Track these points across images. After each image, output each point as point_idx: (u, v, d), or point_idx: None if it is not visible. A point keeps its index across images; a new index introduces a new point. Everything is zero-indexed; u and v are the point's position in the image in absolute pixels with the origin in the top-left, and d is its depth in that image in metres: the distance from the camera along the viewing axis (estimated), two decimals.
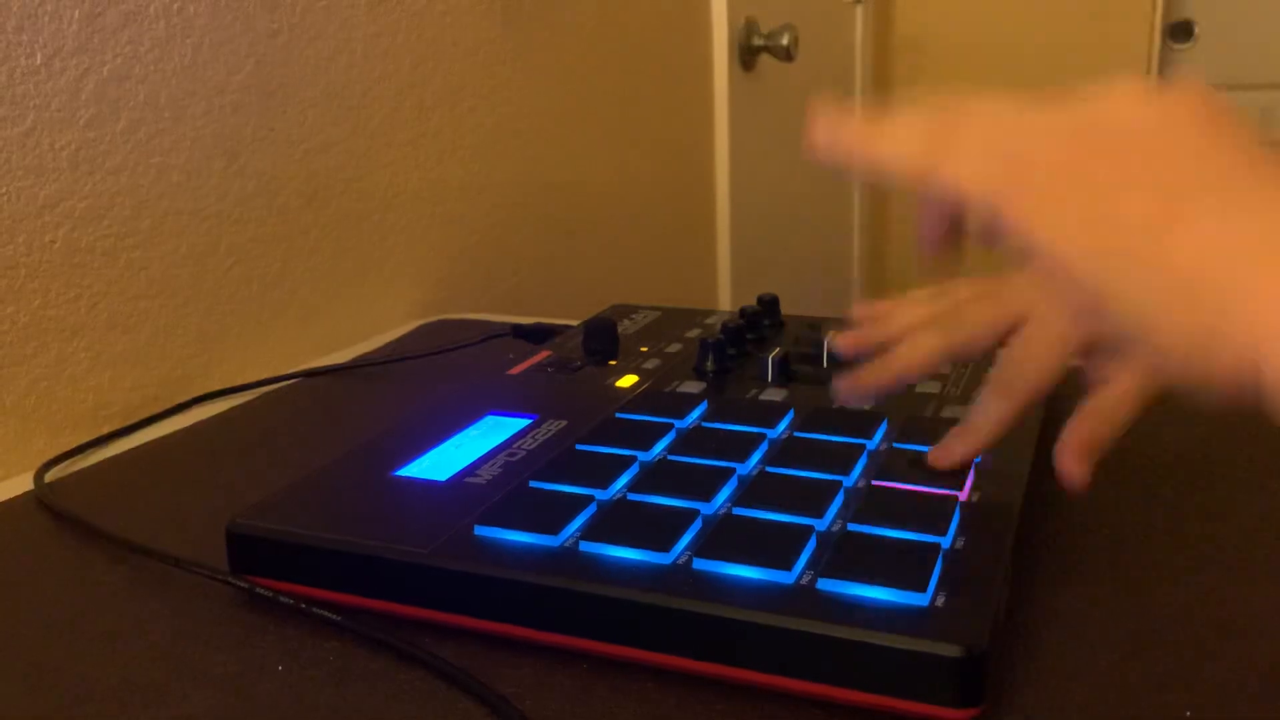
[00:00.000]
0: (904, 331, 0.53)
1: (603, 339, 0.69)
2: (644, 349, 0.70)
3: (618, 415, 0.57)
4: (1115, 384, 0.49)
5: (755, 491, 0.47)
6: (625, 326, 0.75)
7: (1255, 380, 0.28)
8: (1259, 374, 0.27)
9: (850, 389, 0.52)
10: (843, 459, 0.50)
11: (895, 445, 0.52)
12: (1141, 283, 0.30)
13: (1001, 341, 0.50)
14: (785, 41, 1.59)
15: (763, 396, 0.60)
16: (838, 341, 0.55)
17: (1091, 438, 0.46)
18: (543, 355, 0.69)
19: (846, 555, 0.41)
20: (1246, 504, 0.52)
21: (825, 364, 0.64)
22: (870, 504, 0.45)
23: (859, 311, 0.56)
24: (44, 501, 0.58)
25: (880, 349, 0.53)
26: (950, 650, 0.36)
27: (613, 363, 0.67)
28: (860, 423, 0.54)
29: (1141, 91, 0.33)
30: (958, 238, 0.40)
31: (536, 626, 0.42)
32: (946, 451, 0.49)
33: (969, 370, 0.63)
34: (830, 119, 0.37)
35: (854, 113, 0.37)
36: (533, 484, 0.49)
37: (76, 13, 0.68)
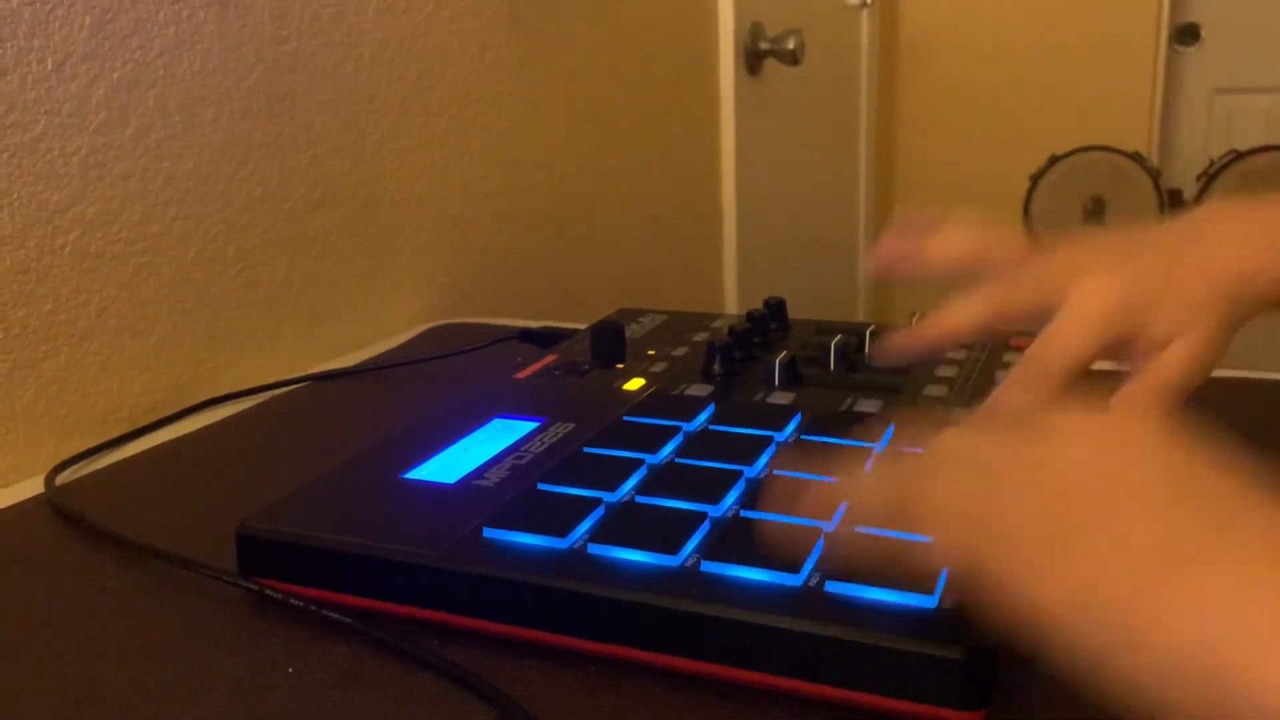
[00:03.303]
0: (943, 257, 0.53)
1: (610, 343, 0.69)
2: (651, 352, 0.70)
3: (625, 418, 0.57)
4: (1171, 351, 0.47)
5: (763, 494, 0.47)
6: (632, 330, 0.75)
7: None
8: None
9: (894, 348, 0.53)
10: (850, 462, 0.50)
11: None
12: (1136, 663, 0.28)
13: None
14: (791, 46, 1.59)
15: (770, 399, 0.60)
16: (881, 244, 0.55)
17: (1153, 393, 0.46)
18: (550, 359, 0.69)
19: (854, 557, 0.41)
20: None
21: (832, 368, 0.64)
22: None
23: (901, 217, 0.55)
24: (54, 504, 0.58)
25: (918, 260, 0.54)
26: (957, 652, 0.36)
27: (620, 366, 0.67)
28: (867, 426, 0.54)
29: (1092, 428, 0.33)
30: None
31: (545, 629, 0.42)
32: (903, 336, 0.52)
33: (976, 373, 0.63)
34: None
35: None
36: (541, 486, 0.49)
37: (87, 19, 0.69)
